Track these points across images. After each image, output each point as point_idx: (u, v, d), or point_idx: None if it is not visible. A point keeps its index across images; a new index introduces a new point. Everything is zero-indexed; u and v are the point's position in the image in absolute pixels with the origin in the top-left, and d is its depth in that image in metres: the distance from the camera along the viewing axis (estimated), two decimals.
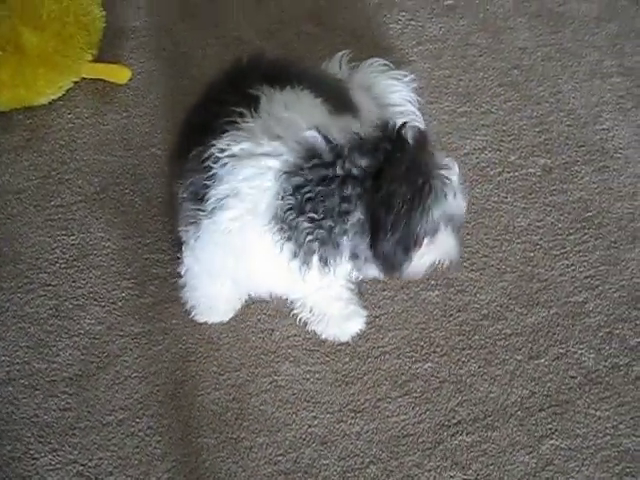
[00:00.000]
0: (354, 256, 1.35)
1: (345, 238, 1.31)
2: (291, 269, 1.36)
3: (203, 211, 1.36)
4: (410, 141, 1.29)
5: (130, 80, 1.86)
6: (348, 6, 2.01)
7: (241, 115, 1.35)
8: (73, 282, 1.66)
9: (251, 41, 1.93)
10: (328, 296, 1.59)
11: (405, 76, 1.76)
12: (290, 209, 1.29)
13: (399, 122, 1.32)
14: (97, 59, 1.84)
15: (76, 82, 1.83)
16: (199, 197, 1.36)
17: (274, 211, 1.30)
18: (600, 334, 1.67)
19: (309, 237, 1.31)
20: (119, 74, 1.83)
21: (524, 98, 1.93)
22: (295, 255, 1.33)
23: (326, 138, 1.28)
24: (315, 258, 1.34)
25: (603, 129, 1.91)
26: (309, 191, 1.28)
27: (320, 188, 1.28)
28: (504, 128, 1.89)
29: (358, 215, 1.29)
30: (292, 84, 1.42)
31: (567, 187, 1.83)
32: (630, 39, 2.03)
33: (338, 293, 1.61)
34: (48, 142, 1.80)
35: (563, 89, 1.96)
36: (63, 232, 1.71)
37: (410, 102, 1.73)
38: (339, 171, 1.27)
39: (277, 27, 1.97)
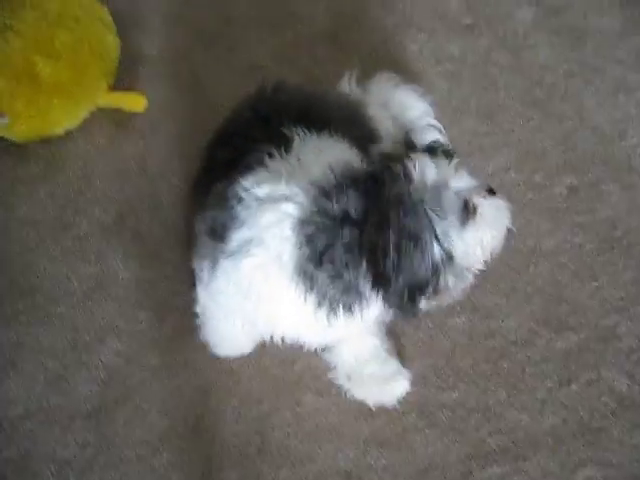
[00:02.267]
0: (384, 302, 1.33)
1: (364, 285, 1.29)
2: (317, 318, 1.33)
3: (222, 251, 1.34)
4: (391, 175, 1.26)
5: (146, 108, 1.84)
6: (364, 27, 1.98)
7: (270, 155, 1.33)
8: (91, 314, 1.64)
9: (268, 66, 1.90)
10: (363, 358, 1.55)
11: (417, 90, 1.72)
12: (309, 260, 1.27)
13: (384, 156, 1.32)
14: (113, 88, 1.81)
15: (92, 111, 1.81)
16: (217, 234, 1.34)
17: (296, 261, 1.28)
18: (633, 358, 1.61)
19: (330, 288, 1.29)
20: (135, 102, 1.80)
21: (547, 116, 1.89)
22: (320, 305, 1.31)
23: (334, 179, 1.26)
24: (340, 306, 1.32)
25: (630, 145, 1.86)
26: (321, 240, 1.26)
27: (328, 234, 1.26)
28: (528, 147, 1.85)
29: (364, 264, 1.26)
30: (325, 125, 1.40)
31: (594, 206, 1.78)
32: None
33: (373, 353, 1.56)
34: (65, 172, 1.78)
35: (587, 106, 1.91)
36: (80, 263, 1.68)
37: (429, 115, 1.69)
38: (337, 211, 1.25)
39: (293, 51, 1.94)
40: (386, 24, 1.98)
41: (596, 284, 1.70)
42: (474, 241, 1.32)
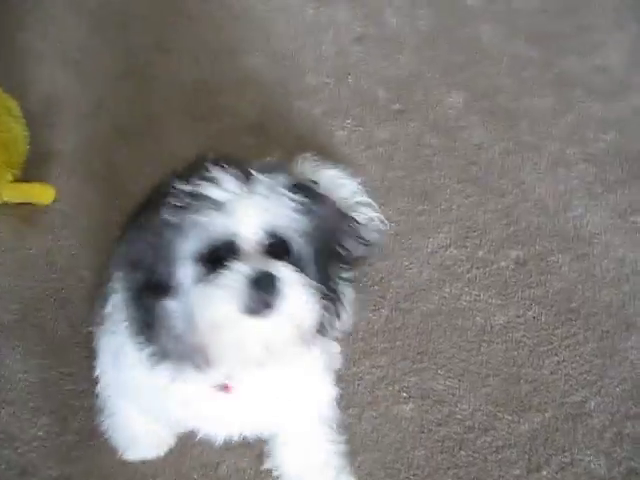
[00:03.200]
0: None
1: None
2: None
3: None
4: None
5: (56, 201, 1.69)
6: (290, 117, 1.91)
7: None
8: None
9: (189, 157, 1.81)
10: (313, 468, 1.34)
11: (344, 170, 1.61)
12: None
13: None
14: (20, 180, 1.69)
15: None
16: None
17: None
18: (608, 435, 1.42)
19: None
20: (43, 194, 1.67)
21: (486, 192, 1.79)
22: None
23: None
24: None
25: (575, 216, 1.76)
26: None
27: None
28: (468, 224, 1.74)
29: None
30: None
31: (545, 278, 1.65)
32: (590, 127, 1.93)
33: (325, 459, 1.34)
34: None
35: (527, 180, 1.82)
36: None
37: (358, 194, 1.57)
38: None
39: (218, 141, 1.83)
40: (313, 114, 1.92)
41: (557, 358, 1.53)
42: None
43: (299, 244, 0.99)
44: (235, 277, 0.94)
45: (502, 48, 2.10)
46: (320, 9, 2.16)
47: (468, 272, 1.66)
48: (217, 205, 0.96)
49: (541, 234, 1.73)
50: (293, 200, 0.98)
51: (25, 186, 1.68)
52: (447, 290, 1.62)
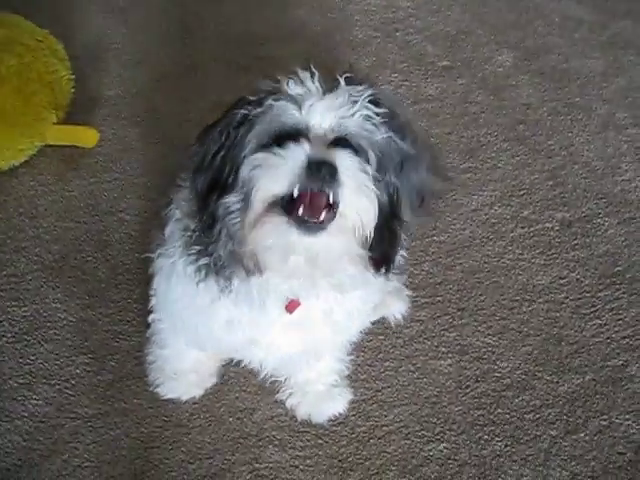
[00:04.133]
0: None
1: None
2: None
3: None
4: None
5: (99, 145, 1.69)
6: (336, 70, 1.89)
7: None
8: (20, 358, 1.42)
9: None
10: (319, 370, 1.37)
11: None
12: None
13: None
14: (64, 123, 1.68)
15: (40, 149, 1.67)
16: None
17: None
18: None
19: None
20: (86, 136, 1.67)
21: (533, 152, 1.76)
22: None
23: None
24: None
25: (624, 180, 1.73)
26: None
27: None
28: (514, 183, 1.71)
29: None
30: None
31: (590, 241, 1.63)
32: None
33: (330, 367, 1.38)
34: (6, 210, 1.61)
35: (575, 142, 1.79)
36: (14, 303, 1.48)
37: None
38: None
39: None
40: (359, 67, 1.87)
41: (599, 322, 1.51)
42: None
43: (369, 155, 0.96)
44: (294, 155, 0.91)
45: (553, 8, 2.06)
46: None
47: (512, 231, 1.63)
48: (293, 100, 0.96)
49: (588, 196, 1.70)
50: (370, 112, 0.96)
51: (69, 128, 1.68)
52: (490, 248, 1.60)
